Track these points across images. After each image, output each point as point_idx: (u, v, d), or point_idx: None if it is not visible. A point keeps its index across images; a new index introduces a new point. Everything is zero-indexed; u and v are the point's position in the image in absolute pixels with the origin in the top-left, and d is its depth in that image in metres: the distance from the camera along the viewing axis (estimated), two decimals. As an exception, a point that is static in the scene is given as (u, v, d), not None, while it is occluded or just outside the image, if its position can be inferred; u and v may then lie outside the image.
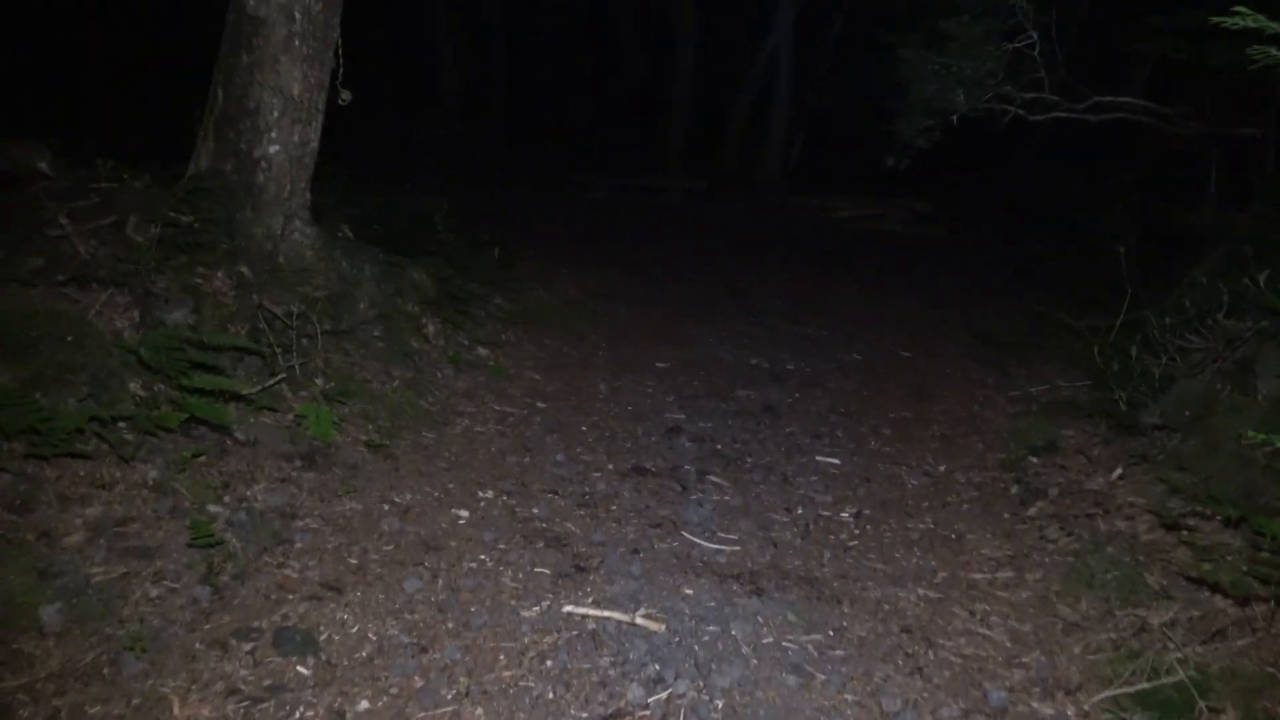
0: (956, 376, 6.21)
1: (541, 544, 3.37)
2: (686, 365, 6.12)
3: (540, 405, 4.99)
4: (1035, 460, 4.32)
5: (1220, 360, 4.04)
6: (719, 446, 4.60)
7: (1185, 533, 3.14)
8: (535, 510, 3.62)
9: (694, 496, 3.91)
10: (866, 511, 3.85)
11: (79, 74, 13.51)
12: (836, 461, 4.48)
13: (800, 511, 3.82)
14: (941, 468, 4.45)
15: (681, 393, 5.48)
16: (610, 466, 4.17)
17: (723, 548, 3.46)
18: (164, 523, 2.97)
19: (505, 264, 8.08)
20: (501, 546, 3.33)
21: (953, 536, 3.63)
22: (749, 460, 4.43)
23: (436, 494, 3.68)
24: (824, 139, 18.79)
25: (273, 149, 4.52)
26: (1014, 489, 4.09)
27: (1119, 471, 3.79)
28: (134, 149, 4.83)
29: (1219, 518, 3.13)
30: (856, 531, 3.66)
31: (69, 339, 3.29)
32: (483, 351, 5.54)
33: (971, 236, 13.50)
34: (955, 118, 7.63)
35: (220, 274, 4.12)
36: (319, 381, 4.19)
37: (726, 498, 3.92)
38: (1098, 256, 7.58)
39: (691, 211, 15.17)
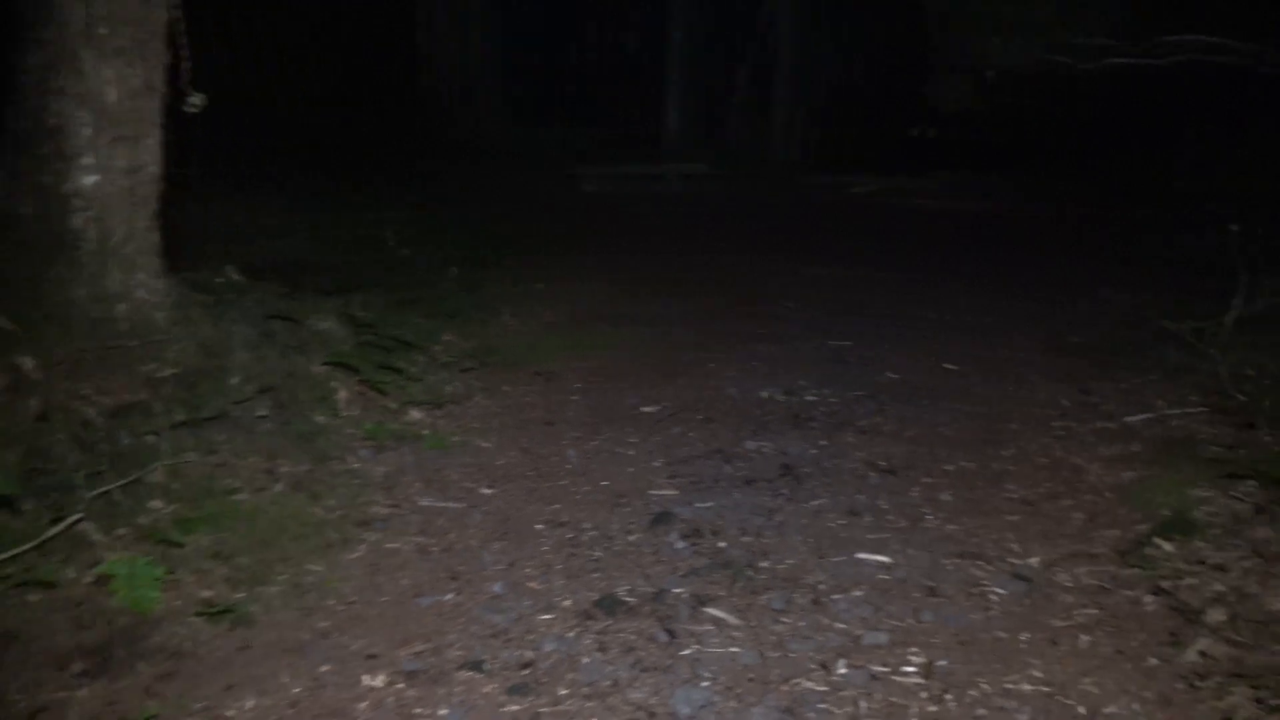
0: (1024, 399, 4.92)
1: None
2: (682, 407, 4.88)
3: (485, 493, 3.77)
4: (1168, 547, 3.06)
5: None
6: (721, 544, 3.36)
7: None
8: (443, 713, 2.40)
9: (686, 652, 2.67)
10: (942, 663, 2.60)
11: None
12: (885, 560, 3.23)
13: (844, 672, 2.57)
14: (1034, 561, 3.19)
15: (673, 453, 4.25)
16: (567, 602, 2.94)
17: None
18: None
19: (468, 285, 6.87)
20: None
21: (1080, 710, 2.37)
22: (764, 566, 3.19)
23: (297, 689, 2.46)
24: (840, 111, 17.36)
25: (89, 180, 3.31)
26: (1150, 604, 2.82)
27: (1320, 584, 2.53)
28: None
29: None
30: (932, 708, 2.42)
31: None
32: (416, 416, 4.32)
33: (1020, 209, 12.11)
34: (991, 73, 6.35)
35: None
36: (156, 506, 2.99)
37: (734, 650, 2.68)
38: (1194, 233, 6.31)
39: (691, 199, 13.87)
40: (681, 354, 5.87)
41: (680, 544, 3.36)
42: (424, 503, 3.62)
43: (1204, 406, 4.09)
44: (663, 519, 3.55)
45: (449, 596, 2.96)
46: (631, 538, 3.41)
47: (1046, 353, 5.51)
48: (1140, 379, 4.68)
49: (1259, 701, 2.23)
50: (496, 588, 3.01)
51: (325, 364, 4.10)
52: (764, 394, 5.13)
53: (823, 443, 4.40)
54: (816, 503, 3.72)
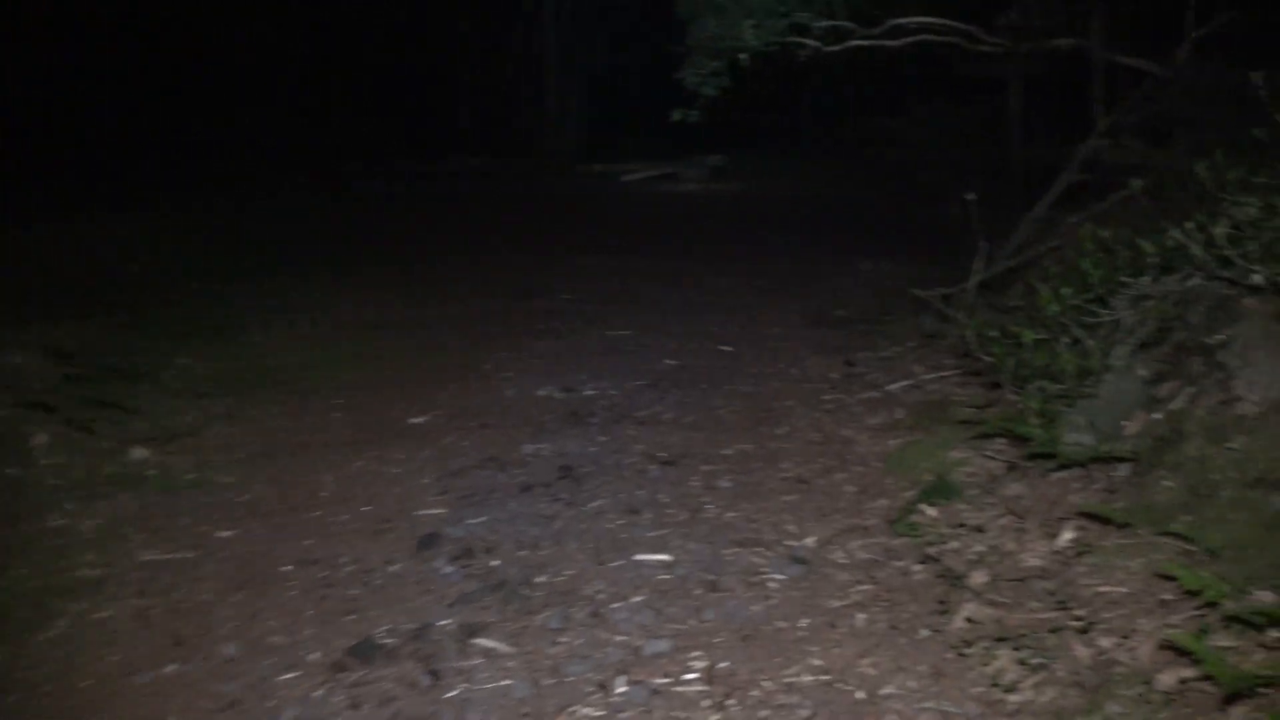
0: (794, 375, 5.00)
1: None
2: (455, 415, 4.58)
3: (222, 536, 3.31)
4: (933, 513, 3.11)
5: (1158, 348, 2.96)
6: (495, 563, 3.11)
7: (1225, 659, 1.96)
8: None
9: (453, 693, 2.40)
10: (724, 664, 2.48)
11: None
12: (666, 559, 3.09)
13: (623, 690, 2.39)
14: (810, 541, 3.15)
15: (444, 465, 3.94)
16: (315, 655, 2.58)
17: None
18: None
19: (219, 299, 6.20)
20: None
21: (860, 695, 2.31)
22: (540, 581, 2.97)
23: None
24: (610, 99, 17.35)
25: None
26: (919, 573, 2.84)
27: (1068, 536, 2.62)
28: None
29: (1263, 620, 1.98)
30: (714, 717, 2.28)
31: None
32: (140, 455, 3.76)
33: (775, 188, 12.57)
34: (745, 57, 6.42)
35: None
36: None
37: (505, 683, 2.43)
38: (931, 204, 6.69)
39: (473, 196, 13.44)
40: (456, 357, 5.55)
41: (448, 569, 3.07)
42: (145, 557, 3.12)
43: (956, 369, 4.28)
44: (429, 542, 3.25)
45: (170, 668, 2.52)
46: (394, 568, 3.08)
47: (814, 327, 5.64)
48: (900, 347, 4.86)
49: (1021, 663, 2.25)
50: (229, 650, 2.60)
51: (16, 406, 3.47)
52: (542, 393, 4.92)
53: (602, 439, 4.24)
54: (596, 504, 3.54)
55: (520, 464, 3.96)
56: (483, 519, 3.43)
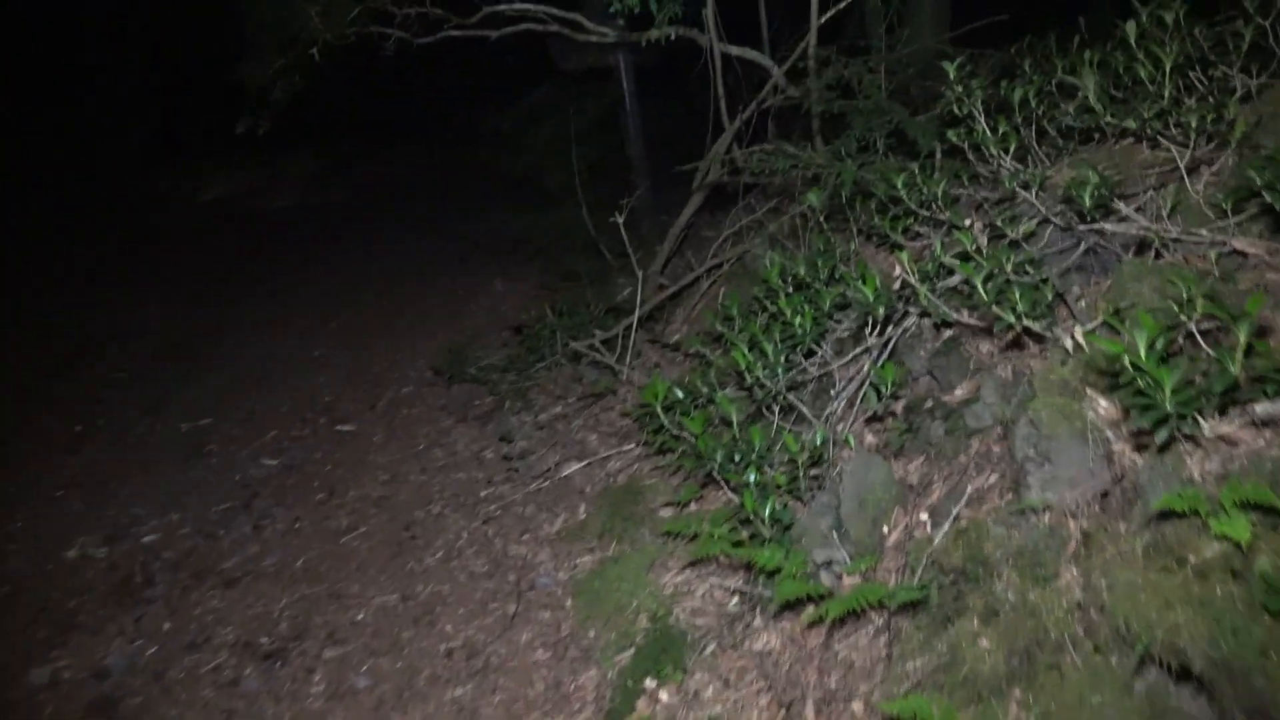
0: (439, 462, 3.89)
1: None
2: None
3: None
4: (664, 696, 2.20)
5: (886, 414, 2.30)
6: None
7: None
8: None
9: None
10: None
11: None
12: None
13: None
14: None
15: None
16: None
17: None
18: None
19: None
20: None
21: None
22: None
23: None
24: (186, 99, 14.32)
25: None
26: None
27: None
28: None
29: None
30: None
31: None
32: None
33: (385, 194, 11.16)
34: (316, 50, 5.12)
35: None
36: None
37: None
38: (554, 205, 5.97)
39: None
40: None
41: None
42: None
43: (638, 441, 3.45)
44: None
45: None
46: None
47: (452, 381, 4.55)
48: (561, 407, 3.93)
49: None
50: None
51: None
52: (71, 553, 3.35)
53: (168, 626, 2.85)
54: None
55: (21, 709, 2.47)
56: None
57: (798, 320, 2.61)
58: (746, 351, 2.59)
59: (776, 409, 2.63)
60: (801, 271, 2.72)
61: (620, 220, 3.68)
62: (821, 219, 3.06)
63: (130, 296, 7.05)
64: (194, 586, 3.06)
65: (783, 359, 2.59)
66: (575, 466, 3.35)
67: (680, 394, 2.84)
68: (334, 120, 12.92)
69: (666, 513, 2.88)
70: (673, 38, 4.93)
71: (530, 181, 7.22)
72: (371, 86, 12.31)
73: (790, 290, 2.83)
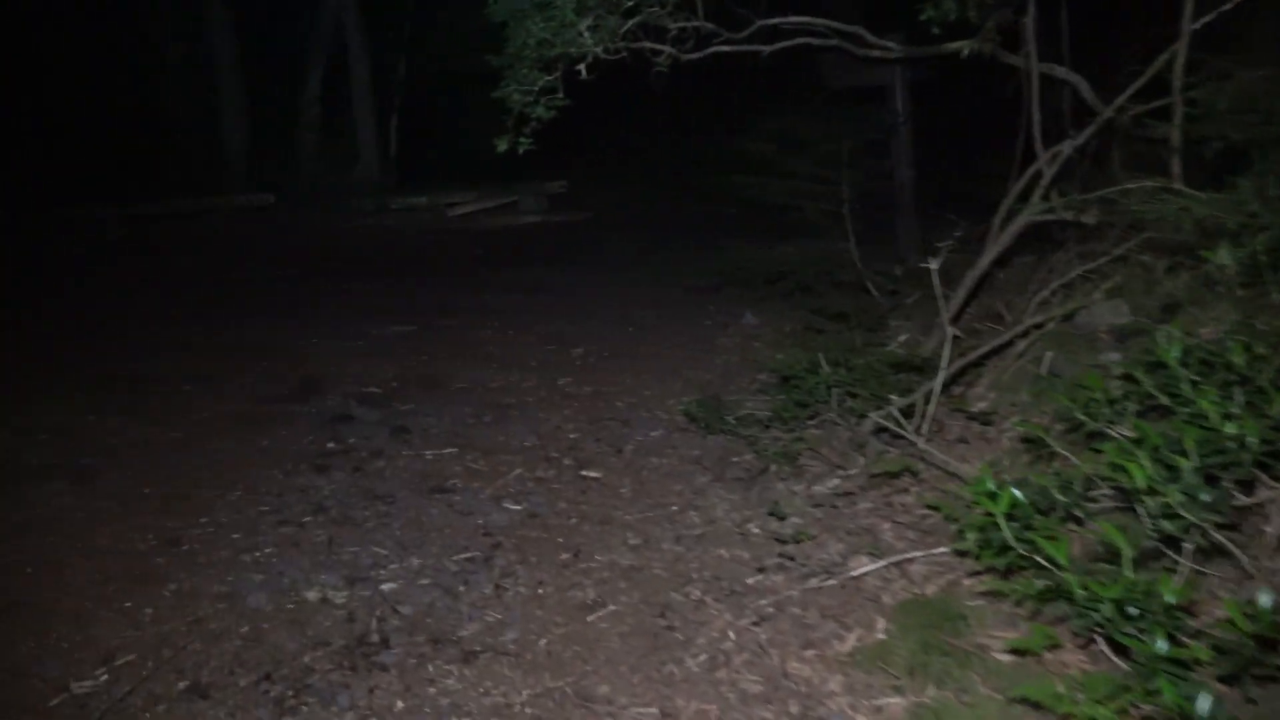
0: (694, 528, 3.41)
1: None
2: (148, 671, 2.74)
3: None
4: None
5: None
6: None
7: None
8: None
9: None
10: None
11: None
12: None
13: None
14: None
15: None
16: None
17: None
18: None
19: None
20: None
21: None
22: None
23: None
24: (433, 121, 15.20)
25: None
26: None
27: None
28: None
29: None
30: None
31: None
32: None
33: (626, 217, 11.05)
34: (583, 67, 4.89)
35: None
36: None
37: None
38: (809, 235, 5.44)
39: (233, 244, 11.18)
40: (140, 539, 3.60)
41: None
42: None
43: (947, 541, 2.80)
44: None
45: None
46: None
47: (705, 431, 4.07)
48: (840, 478, 3.35)
49: None
50: None
51: None
52: (311, 593, 3.14)
53: (399, 706, 2.52)
54: None
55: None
56: None
57: (1228, 427, 1.89)
58: (1148, 463, 1.90)
59: (1190, 547, 1.92)
60: (1239, 359, 1.98)
61: (934, 266, 3.06)
62: (1235, 282, 2.30)
63: (381, 313, 7.17)
64: (430, 657, 2.74)
65: (1201, 479, 1.88)
66: (869, 566, 2.74)
67: (1021, 496, 2.18)
68: (576, 143, 13.04)
69: (1005, 658, 2.22)
70: (989, 52, 4.24)
71: (788, 209, 6.71)
72: (615, 109, 12.24)
73: (1195, 378, 2.10)
